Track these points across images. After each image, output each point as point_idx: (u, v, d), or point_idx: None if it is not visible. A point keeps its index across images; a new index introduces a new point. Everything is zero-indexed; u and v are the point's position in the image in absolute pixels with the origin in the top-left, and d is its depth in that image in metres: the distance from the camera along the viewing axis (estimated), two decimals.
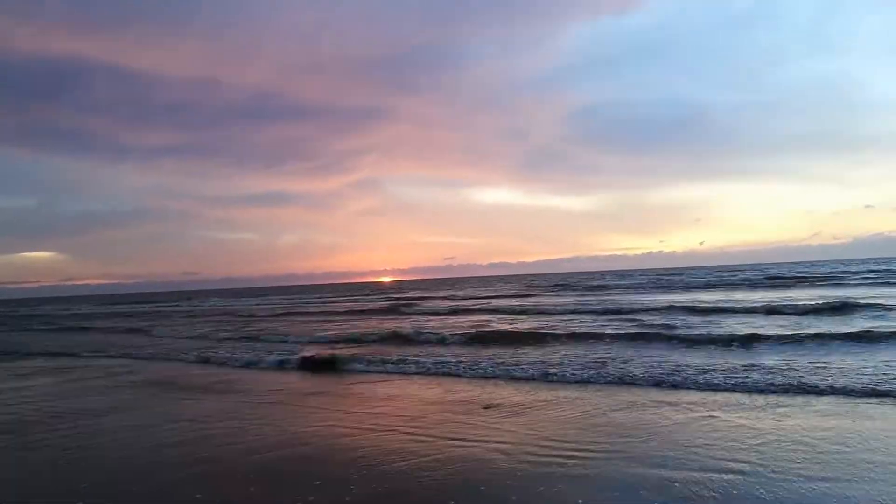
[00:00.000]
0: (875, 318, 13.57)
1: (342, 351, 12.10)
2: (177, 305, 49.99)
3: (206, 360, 12.04)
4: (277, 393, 8.12)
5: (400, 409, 6.72)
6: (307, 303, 41.73)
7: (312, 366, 10.52)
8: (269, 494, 4.00)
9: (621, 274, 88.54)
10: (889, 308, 14.97)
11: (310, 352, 11.76)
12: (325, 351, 11.92)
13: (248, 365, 11.22)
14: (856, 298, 17.94)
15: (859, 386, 6.61)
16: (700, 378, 7.52)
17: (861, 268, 50.14)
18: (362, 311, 26.98)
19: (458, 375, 8.88)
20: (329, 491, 4.00)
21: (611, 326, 14.43)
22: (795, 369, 7.83)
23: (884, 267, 47.72)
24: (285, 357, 11.32)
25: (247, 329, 19.31)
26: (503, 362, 9.52)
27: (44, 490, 4.33)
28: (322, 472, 4.44)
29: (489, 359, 9.97)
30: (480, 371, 8.94)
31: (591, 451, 4.67)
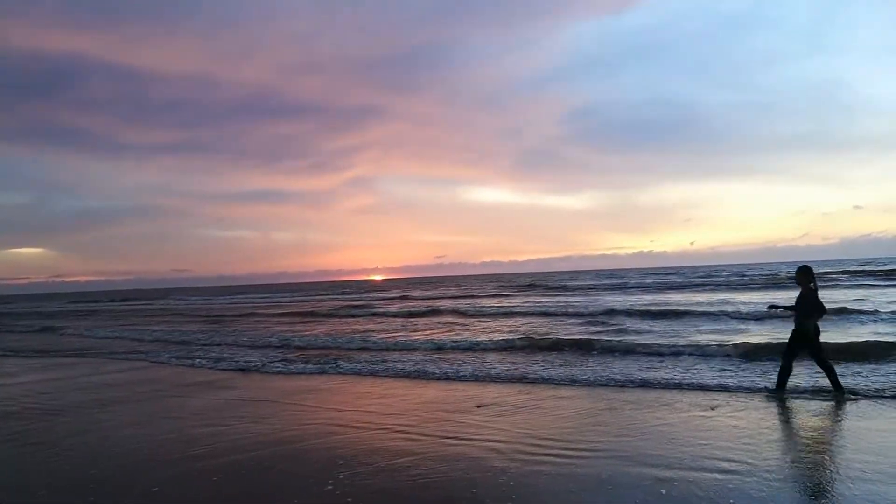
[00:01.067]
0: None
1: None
2: (148, 304, 49.84)
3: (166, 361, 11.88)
4: (267, 391, 8.06)
5: (392, 407, 6.69)
6: (275, 302, 41.10)
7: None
8: (262, 491, 3.97)
9: (607, 273, 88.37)
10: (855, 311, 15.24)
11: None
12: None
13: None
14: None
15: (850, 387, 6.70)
16: (691, 379, 7.58)
17: (840, 267, 50.89)
18: (318, 314, 25.59)
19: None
20: (321, 488, 3.97)
21: (583, 330, 14.43)
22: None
23: (868, 268, 48.18)
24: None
25: (176, 331, 18.87)
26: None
27: (42, 486, 4.28)
28: (314, 469, 4.41)
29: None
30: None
31: (584, 450, 4.67)
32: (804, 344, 6.47)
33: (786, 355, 6.69)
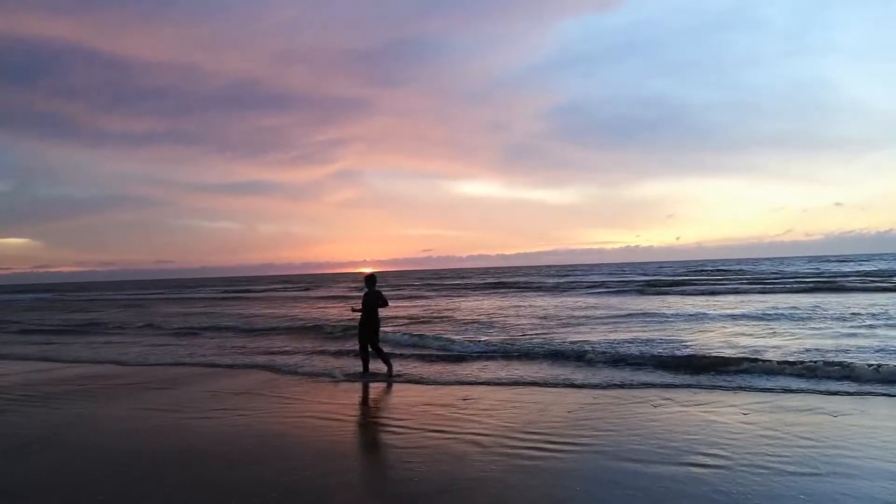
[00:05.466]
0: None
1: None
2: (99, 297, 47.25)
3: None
4: (250, 385, 8.00)
5: (377, 401, 6.69)
6: (205, 301, 36.11)
7: None
8: (244, 481, 3.95)
9: (585, 270, 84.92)
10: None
11: None
12: None
13: None
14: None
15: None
16: (674, 377, 7.64)
17: (820, 268, 51.37)
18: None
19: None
20: (304, 477, 3.97)
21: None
22: (766, 368, 7.83)
23: (846, 268, 47.49)
24: None
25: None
26: None
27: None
28: (298, 460, 4.40)
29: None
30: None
31: (566, 444, 4.69)
32: (373, 333, 8.16)
33: (363, 347, 8.31)
